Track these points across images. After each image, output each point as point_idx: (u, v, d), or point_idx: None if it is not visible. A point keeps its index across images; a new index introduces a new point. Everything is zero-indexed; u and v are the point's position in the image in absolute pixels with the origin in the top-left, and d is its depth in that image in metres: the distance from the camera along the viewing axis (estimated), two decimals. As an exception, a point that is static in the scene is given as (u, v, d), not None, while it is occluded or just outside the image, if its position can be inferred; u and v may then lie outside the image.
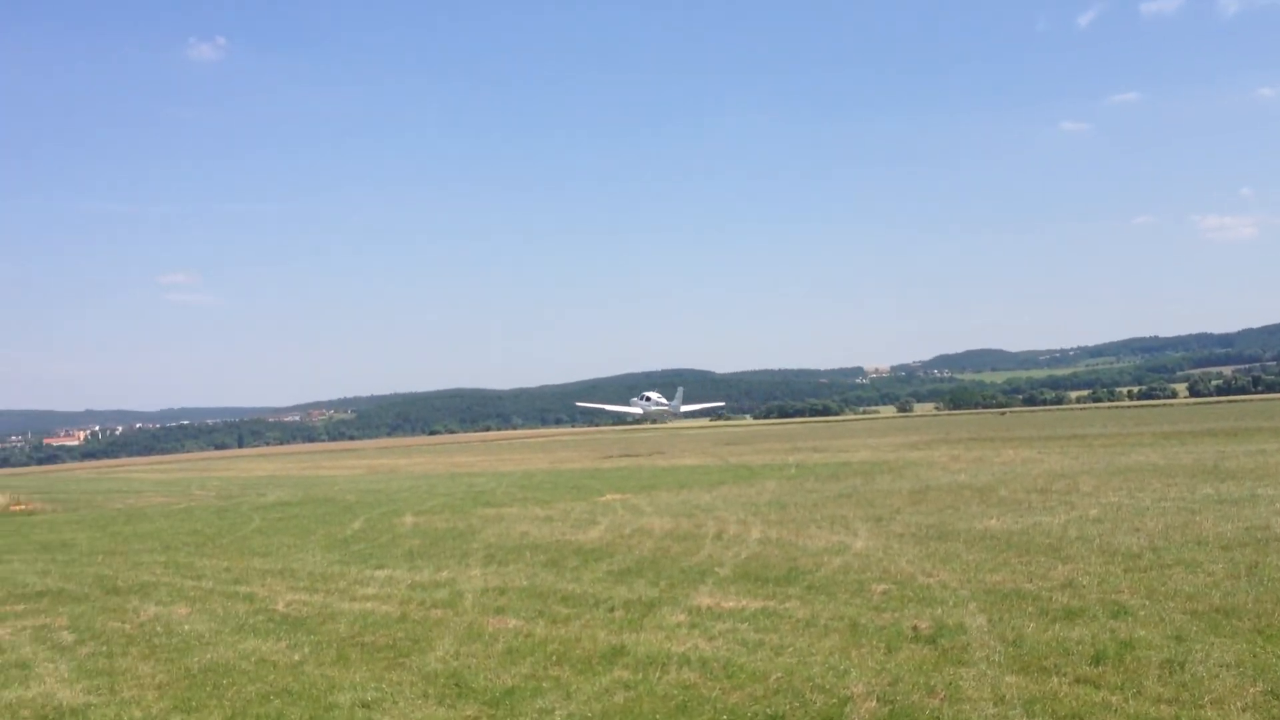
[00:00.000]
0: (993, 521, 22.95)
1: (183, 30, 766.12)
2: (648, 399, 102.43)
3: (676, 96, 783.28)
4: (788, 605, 15.02)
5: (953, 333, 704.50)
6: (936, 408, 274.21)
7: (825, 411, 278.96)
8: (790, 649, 12.52)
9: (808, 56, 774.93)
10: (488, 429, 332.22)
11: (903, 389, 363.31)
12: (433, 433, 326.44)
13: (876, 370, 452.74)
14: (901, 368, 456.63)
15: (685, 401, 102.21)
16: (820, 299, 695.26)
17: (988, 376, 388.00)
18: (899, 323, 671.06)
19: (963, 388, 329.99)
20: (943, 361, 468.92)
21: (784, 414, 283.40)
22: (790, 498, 31.71)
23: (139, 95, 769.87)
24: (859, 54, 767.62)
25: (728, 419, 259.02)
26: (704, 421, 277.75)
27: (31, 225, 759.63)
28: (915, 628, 13.14)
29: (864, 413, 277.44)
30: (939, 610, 14.07)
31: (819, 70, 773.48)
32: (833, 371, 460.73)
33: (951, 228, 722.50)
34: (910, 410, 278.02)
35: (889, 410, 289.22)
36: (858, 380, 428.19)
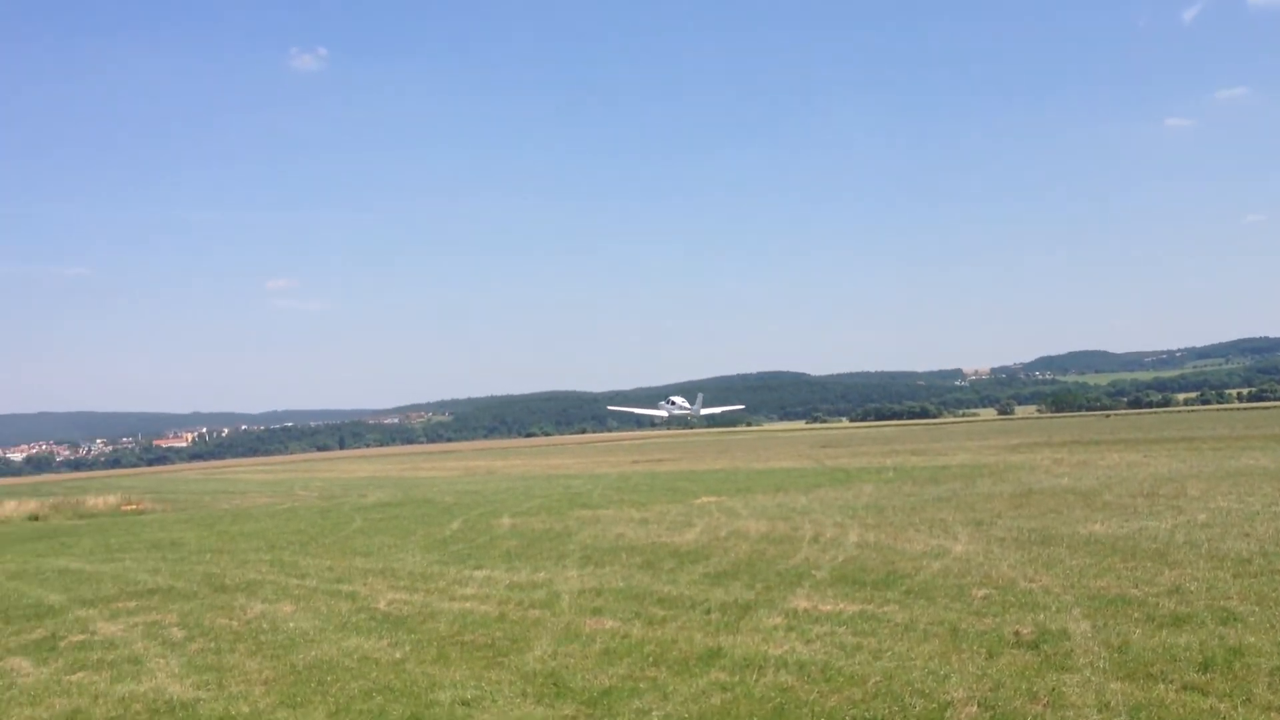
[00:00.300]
0: (1097, 526, 22.51)
1: (285, 41, 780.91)
2: (672, 403, 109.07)
3: (766, 101, 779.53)
4: (886, 609, 14.90)
5: (1055, 334, 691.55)
6: (1038, 410, 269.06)
7: (923, 414, 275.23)
8: (889, 653, 12.41)
9: (900, 56, 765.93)
10: (583, 431, 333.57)
11: (1003, 391, 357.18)
12: (529, 435, 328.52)
13: (976, 372, 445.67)
14: (1002, 369, 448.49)
15: (706, 405, 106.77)
16: (918, 300, 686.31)
17: (1091, 379, 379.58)
18: (999, 324, 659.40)
19: (1065, 390, 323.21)
20: (1045, 363, 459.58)
21: (881, 416, 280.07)
22: (888, 501, 31.41)
23: (244, 105, 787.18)
24: (953, 53, 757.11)
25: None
26: (800, 424, 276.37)
27: (141, 233, 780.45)
28: (1017, 633, 12.95)
29: (963, 415, 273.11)
30: (1041, 616, 13.85)
31: (911, 70, 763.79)
32: (931, 374, 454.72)
33: (1053, 226, 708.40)
34: (1011, 413, 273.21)
35: (989, 413, 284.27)
36: (956, 382, 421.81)
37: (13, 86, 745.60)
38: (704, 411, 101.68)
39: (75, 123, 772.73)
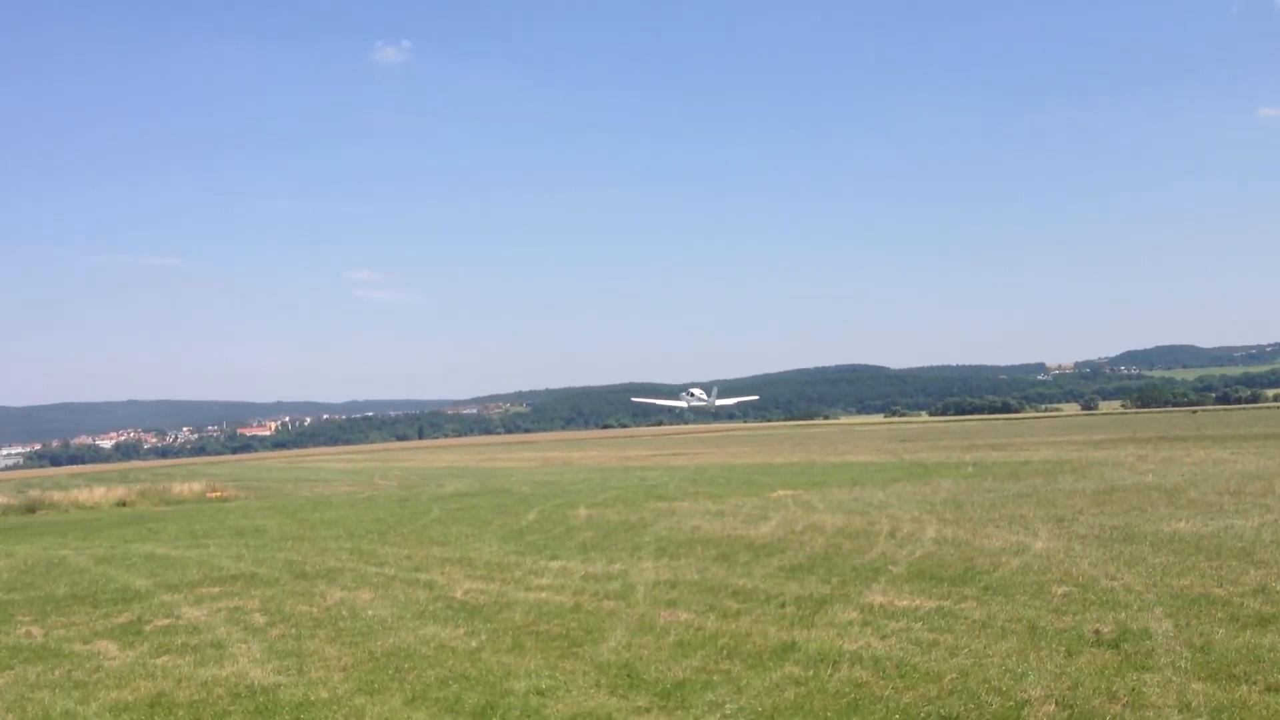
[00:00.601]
0: (1181, 524, 22.11)
1: (369, 34, 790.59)
2: (691, 395, 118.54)
3: (843, 92, 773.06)
4: (963, 606, 14.76)
5: (1141, 328, 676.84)
6: (1123, 406, 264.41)
7: (1004, 409, 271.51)
8: (966, 650, 12.29)
9: (980, 43, 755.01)
10: (659, 423, 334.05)
11: (1087, 386, 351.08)
12: (605, 426, 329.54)
13: (1059, 366, 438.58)
14: (1086, 364, 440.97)
15: (721, 396, 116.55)
16: (1000, 293, 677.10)
17: (1178, 373, 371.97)
18: (1084, 317, 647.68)
19: (1151, 385, 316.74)
20: (1130, 358, 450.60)
21: (961, 411, 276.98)
22: (967, 496, 31.08)
23: (328, 98, 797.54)
24: (1037, 42, 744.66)
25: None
26: (878, 418, 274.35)
27: (229, 224, 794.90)
28: (1097, 631, 12.76)
29: (1045, 410, 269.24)
30: (1122, 614, 13.63)
31: (994, 58, 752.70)
32: (1012, 368, 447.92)
33: (1140, 218, 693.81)
34: (1095, 408, 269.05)
35: (1072, 408, 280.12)
36: (1039, 377, 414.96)
37: (103, 78, 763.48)
38: (719, 403, 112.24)
39: (164, 114, 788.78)
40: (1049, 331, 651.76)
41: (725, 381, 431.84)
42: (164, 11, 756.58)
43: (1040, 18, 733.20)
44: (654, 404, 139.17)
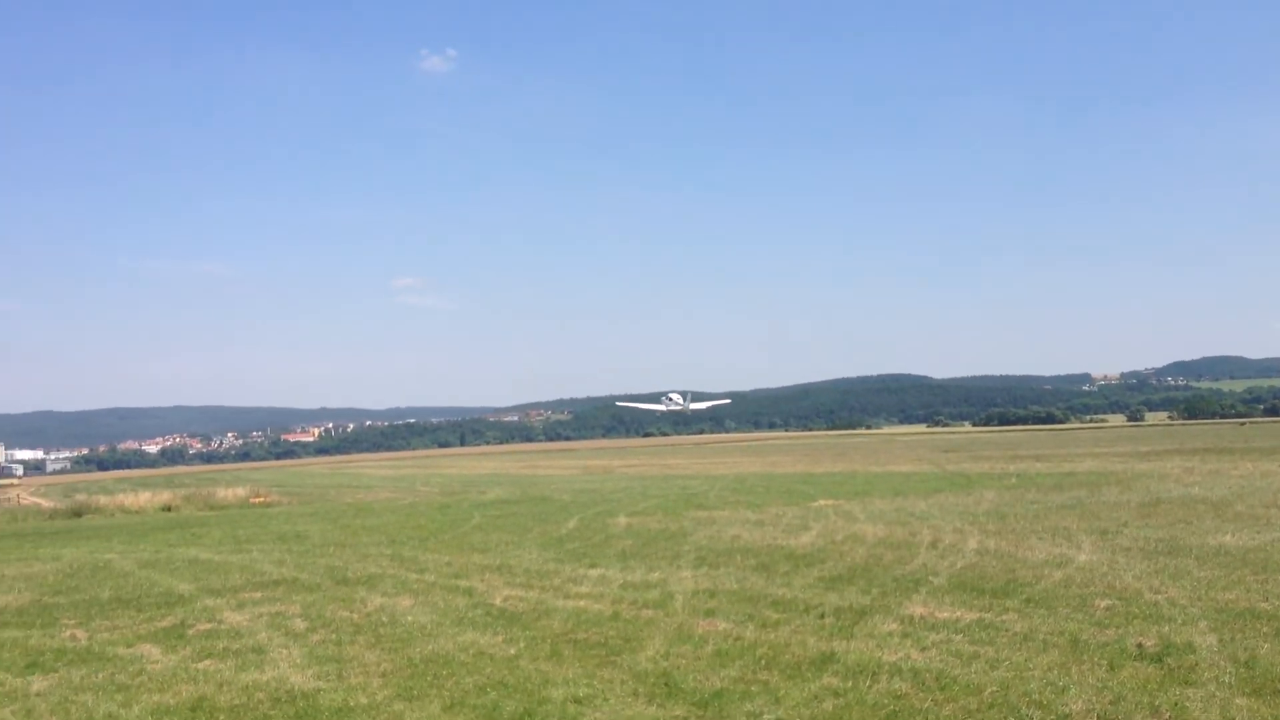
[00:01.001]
0: (1228, 537, 21.84)
1: (415, 43, 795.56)
2: (670, 399, 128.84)
3: (889, 102, 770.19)
4: (1005, 618, 14.62)
5: (1189, 338, 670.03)
6: (1170, 417, 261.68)
7: (1049, 419, 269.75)
8: (1007, 663, 12.18)
9: (1020, 48, 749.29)
10: (700, 432, 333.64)
11: (1133, 397, 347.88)
12: (646, 435, 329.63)
13: (1105, 377, 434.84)
14: (1132, 375, 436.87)
15: (695, 401, 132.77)
16: (1045, 302, 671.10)
17: (1226, 385, 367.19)
18: (1130, 327, 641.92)
19: (1199, 396, 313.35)
20: (1178, 369, 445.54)
21: (1004, 421, 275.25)
22: (1010, 508, 30.84)
23: (374, 106, 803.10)
24: (1078, 48, 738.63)
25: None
26: (920, 427, 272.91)
27: (274, 231, 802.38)
28: (1140, 645, 12.61)
29: (1090, 421, 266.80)
30: (1166, 628, 13.47)
31: (1034, 63, 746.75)
32: (1057, 378, 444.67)
33: (1188, 226, 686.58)
34: (1141, 419, 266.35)
35: (1118, 419, 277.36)
36: (1084, 387, 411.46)
37: (151, 86, 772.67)
38: (693, 406, 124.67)
39: (211, 122, 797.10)
40: (1095, 342, 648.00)
41: (766, 390, 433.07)
42: (211, 20, 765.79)
43: (1086, 23, 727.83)
44: (636, 408, 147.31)
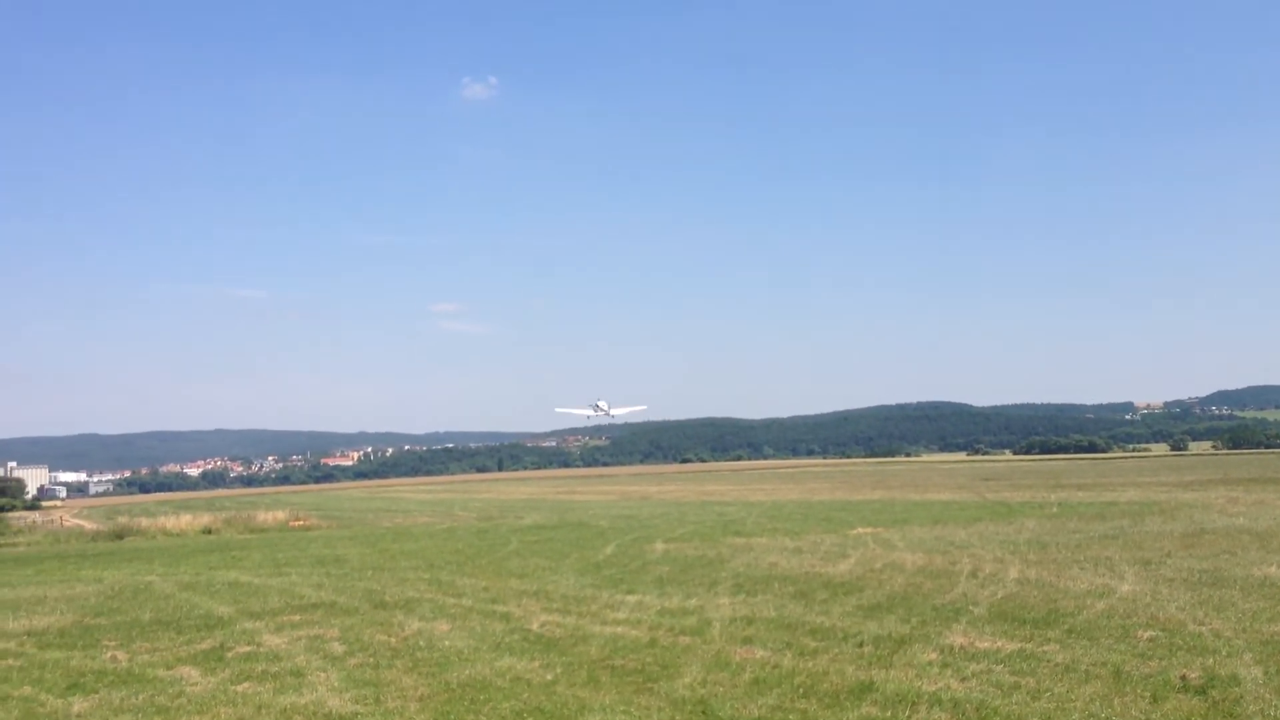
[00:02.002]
0: (1273, 569, 21.57)
1: (457, 71, 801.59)
2: (596, 406, 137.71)
3: (934, 133, 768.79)
4: (1046, 648, 14.47)
5: (1233, 367, 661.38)
6: (1214, 446, 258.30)
7: (1091, 448, 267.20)
8: (1048, 694, 12.04)
9: (1062, 80, 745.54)
10: (739, 458, 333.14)
11: (1177, 426, 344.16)
12: (684, 461, 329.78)
13: (1148, 406, 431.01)
14: (1176, 404, 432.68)
15: (622, 406, 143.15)
16: (1088, 330, 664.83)
17: (1271, 414, 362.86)
18: (1174, 356, 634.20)
19: (1244, 426, 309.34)
20: (1222, 398, 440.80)
21: (1046, 450, 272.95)
22: (1051, 537, 30.55)
23: (415, 133, 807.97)
24: (1121, 82, 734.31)
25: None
26: (960, 455, 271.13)
27: (314, 257, 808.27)
28: (1184, 677, 12.44)
29: (1133, 450, 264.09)
30: (1210, 660, 13.28)
31: (1078, 100, 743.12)
32: (1099, 406, 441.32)
33: (1232, 255, 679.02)
34: (1184, 449, 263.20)
35: (1161, 448, 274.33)
36: (1127, 416, 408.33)
37: (190, 113, 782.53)
38: (614, 412, 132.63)
39: (252, 150, 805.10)
40: (1138, 370, 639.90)
41: (804, 417, 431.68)
42: (254, 48, 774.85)
43: (1132, 54, 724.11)
44: (571, 413, 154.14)
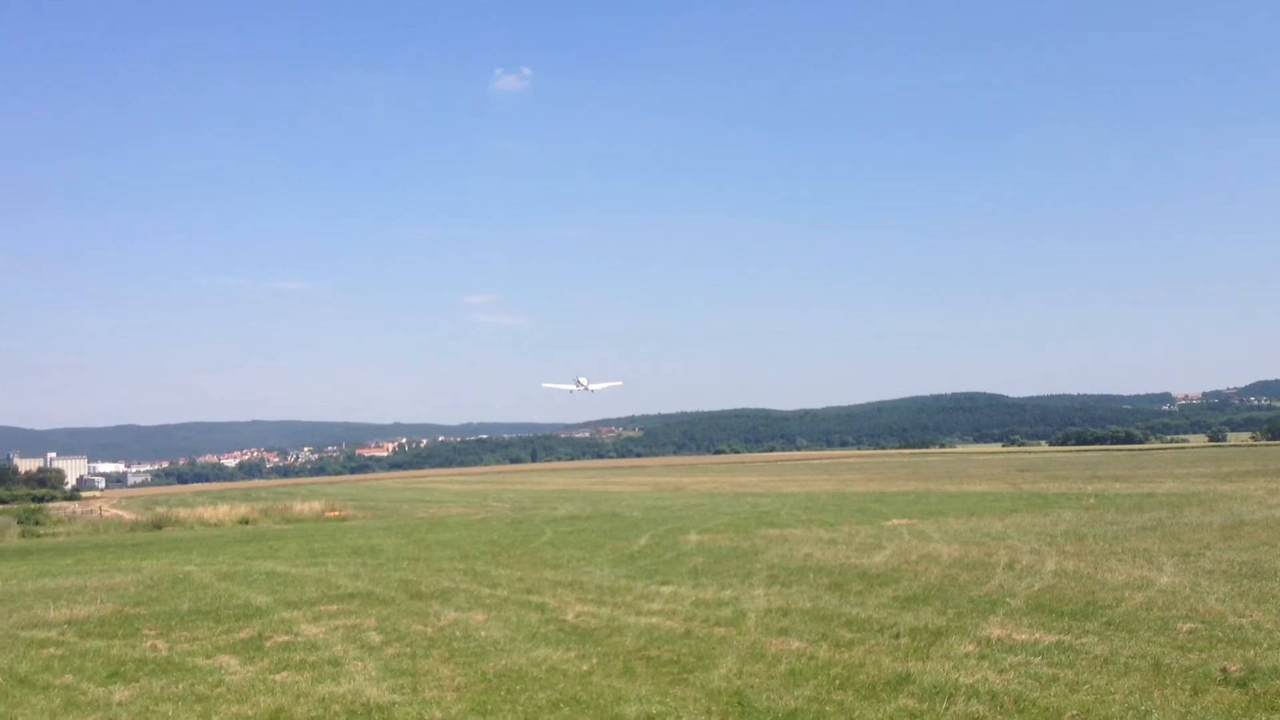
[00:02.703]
0: (1315, 561, 21.30)
1: (490, 62, 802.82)
2: (578, 382, 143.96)
3: (965, 126, 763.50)
4: (1084, 640, 14.37)
5: (1272, 357, 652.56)
6: (1253, 438, 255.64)
7: (1128, 439, 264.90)
8: (1087, 686, 11.96)
9: (1095, 73, 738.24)
10: (772, 449, 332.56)
11: (1215, 417, 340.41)
12: (718, 452, 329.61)
13: (1186, 396, 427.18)
14: (1214, 394, 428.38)
15: (599, 382, 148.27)
16: (1125, 320, 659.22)
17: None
18: (1212, 346, 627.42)
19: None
20: (1261, 388, 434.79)
21: (1082, 441, 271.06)
22: (1089, 529, 30.34)
23: (450, 125, 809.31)
24: (1155, 76, 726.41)
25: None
26: (996, 446, 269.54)
27: (352, 249, 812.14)
28: (1225, 670, 12.33)
29: (1171, 441, 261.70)
30: (1251, 652, 13.16)
31: (1107, 88, 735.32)
32: (1136, 397, 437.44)
33: (1271, 243, 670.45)
34: (1223, 440, 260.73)
35: (1199, 439, 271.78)
36: (1164, 407, 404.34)
37: (230, 109, 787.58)
38: (592, 387, 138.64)
39: (290, 143, 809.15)
40: (1175, 360, 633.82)
41: (838, 408, 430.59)
42: (291, 41, 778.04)
43: (1172, 48, 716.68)
44: (557, 389, 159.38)
